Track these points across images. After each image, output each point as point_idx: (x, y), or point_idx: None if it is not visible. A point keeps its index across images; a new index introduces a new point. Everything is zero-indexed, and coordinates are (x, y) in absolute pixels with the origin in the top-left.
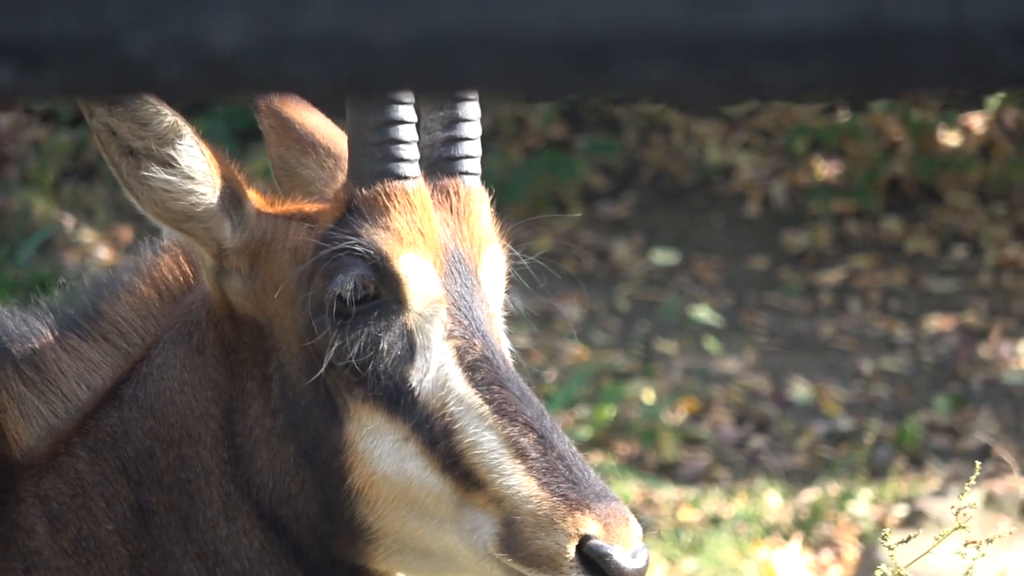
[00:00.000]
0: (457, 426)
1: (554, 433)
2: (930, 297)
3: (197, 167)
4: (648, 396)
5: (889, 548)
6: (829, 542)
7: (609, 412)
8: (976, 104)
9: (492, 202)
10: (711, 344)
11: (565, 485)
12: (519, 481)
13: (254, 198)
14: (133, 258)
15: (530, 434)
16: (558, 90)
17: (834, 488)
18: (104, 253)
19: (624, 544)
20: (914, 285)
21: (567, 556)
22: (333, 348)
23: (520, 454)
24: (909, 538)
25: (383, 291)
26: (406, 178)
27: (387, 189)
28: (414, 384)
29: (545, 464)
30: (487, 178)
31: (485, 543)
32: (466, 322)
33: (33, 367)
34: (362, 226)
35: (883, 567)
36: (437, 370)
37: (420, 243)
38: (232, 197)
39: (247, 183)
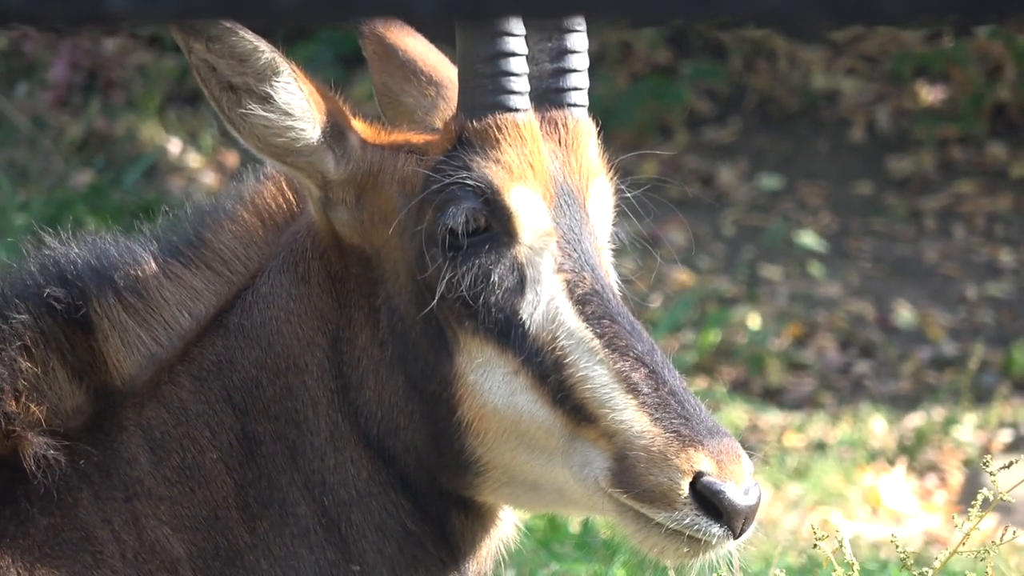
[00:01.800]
0: (568, 360)
1: (665, 368)
2: None
3: (295, 104)
4: (753, 321)
5: (991, 474)
6: (934, 467)
7: (714, 337)
8: None
9: (598, 131)
10: (815, 269)
11: (677, 421)
12: (631, 416)
13: (360, 129)
14: (236, 185)
15: (641, 369)
16: (675, 16)
17: (939, 413)
18: (210, 178)
19: (737, 481)
20: (1019, 210)
21: (681, 492)
22: (444, 280)
23: (632, 389)
24: (1011, 463)
25: (494, 224)
26: (517, 111)
27: (498, 122)
28: (524, 317)
29: (657, 399)
30: (592, 104)
31: (596, 478)
32: (575, 255)
33: (136, 294)
34: (473, 159)
35: (984, 491)
36: (547, 303)
37: (530, 176)
38: (334, 131)
39: (352, 113)
